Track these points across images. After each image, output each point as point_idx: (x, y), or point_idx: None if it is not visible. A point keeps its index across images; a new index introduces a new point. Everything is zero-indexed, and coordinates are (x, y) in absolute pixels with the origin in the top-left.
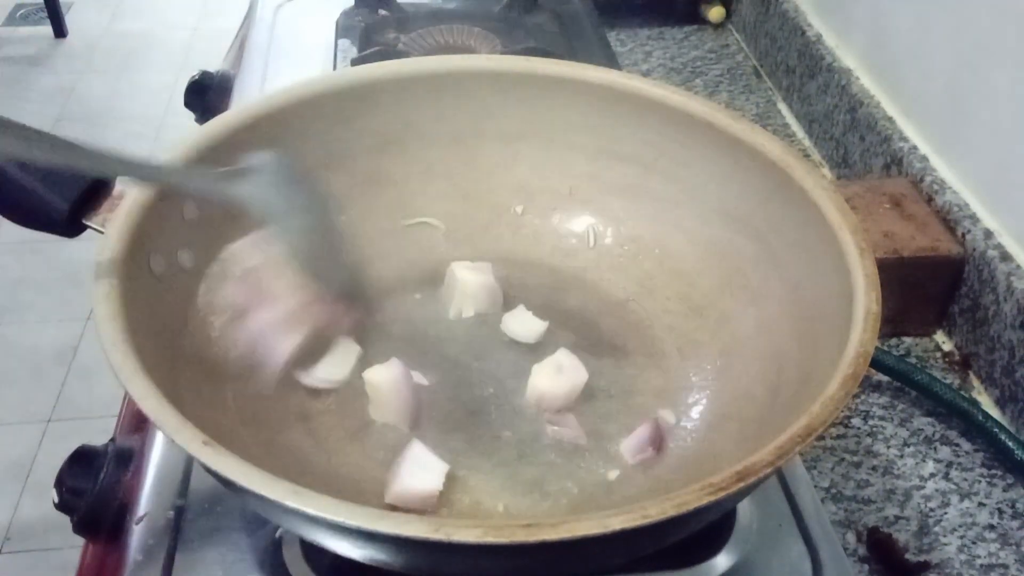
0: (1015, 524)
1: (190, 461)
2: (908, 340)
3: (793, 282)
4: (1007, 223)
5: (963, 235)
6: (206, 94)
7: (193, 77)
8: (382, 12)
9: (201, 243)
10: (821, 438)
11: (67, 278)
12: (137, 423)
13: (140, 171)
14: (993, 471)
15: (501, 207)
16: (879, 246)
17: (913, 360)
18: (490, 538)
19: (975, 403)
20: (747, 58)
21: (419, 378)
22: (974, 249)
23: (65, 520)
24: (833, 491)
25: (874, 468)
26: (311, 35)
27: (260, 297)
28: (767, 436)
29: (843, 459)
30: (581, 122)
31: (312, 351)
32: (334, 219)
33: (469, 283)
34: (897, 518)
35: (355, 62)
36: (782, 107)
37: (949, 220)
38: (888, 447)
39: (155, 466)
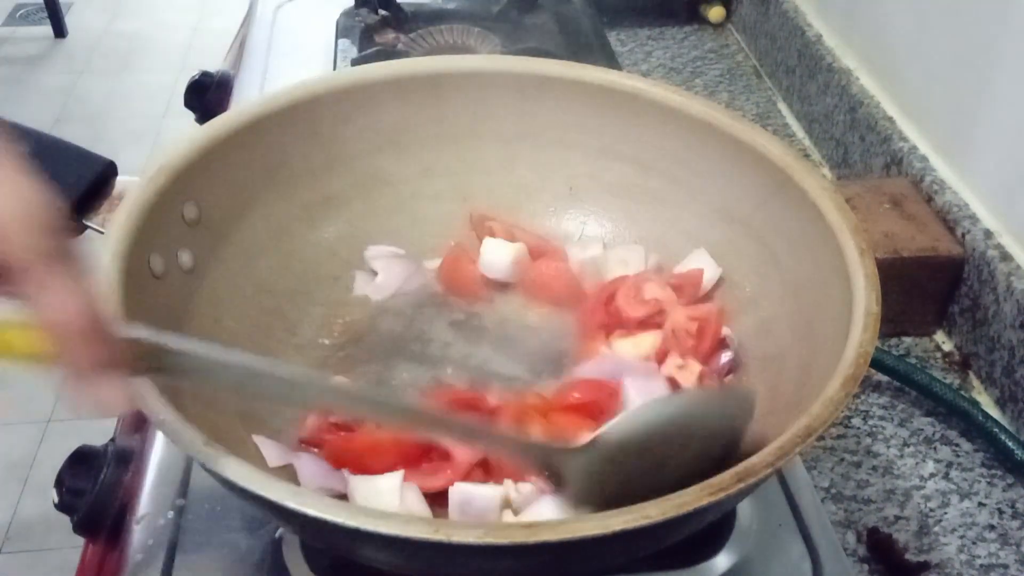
0: (1015, 524)
1: (190, 461)
2: (908, 340)
3: (793, 282)
4: (1007, 223)
5: (963, 235)
6: (206, 94)
7: (193, 77)
8: (382, 12)
9: (201, 243)
10: (821, 438)
11: None
12: (137, 423)
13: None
14: (993, 471)
15: (500, 207)
16: (879, 246)
17: (913, 360)
18: (490, 539)
19: (975, 403)
20: (747, 58)
21: None
22: (974, 249)
23: (65, 520)
24: (833, 491)
25: (874, 468)
26: (311, 35)
27: None
28: (767, 436)
29: (843, 459)
30: (581, 122)
31: None
32: None
33: None
34: (897, 518)
35: (355, 62)
36: (782, 107)
37: (949, 220)
38: (888, 447)
39: (155, 466)
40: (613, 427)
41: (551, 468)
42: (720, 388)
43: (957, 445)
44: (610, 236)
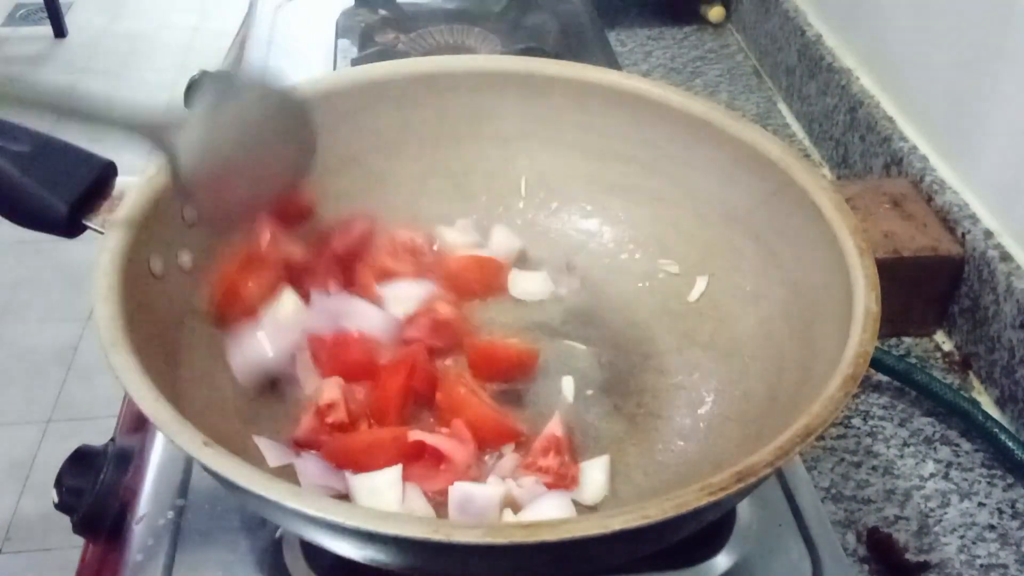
0: (1015, 524)
1: (190, 461)
2: (908, 340)
3: (793, 282)
4: (1007, 223)
5: (963, 235)
6: None
7: (193, 77)
8: (382, 12)
9: (201, 243)
10: (821, 438)
11: (67, 278)
12: (137, 423)
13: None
14: (993, 471)
15: (501, 208)
16: (879, 246)
17: (913, 360)
18: (490, 539)
19: (975, 403)
20: (747, 58)
21: None
22: (974, 249)
23: (65, 520)
24: (833, 491)
25: (874, 468)
26: (311, 35)
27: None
28: (767, 436)
29: (843, 459)
30: (581, 122)
31: None
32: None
33: None
34: (897, 518)
35: (355, 62)
36: (782, 107)
37: (949, 220)
38: (888, 447)
39: (155, 466)
40: (204, 103)
41: (159, 138)
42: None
43: (957, 445)
44: (610, 236)
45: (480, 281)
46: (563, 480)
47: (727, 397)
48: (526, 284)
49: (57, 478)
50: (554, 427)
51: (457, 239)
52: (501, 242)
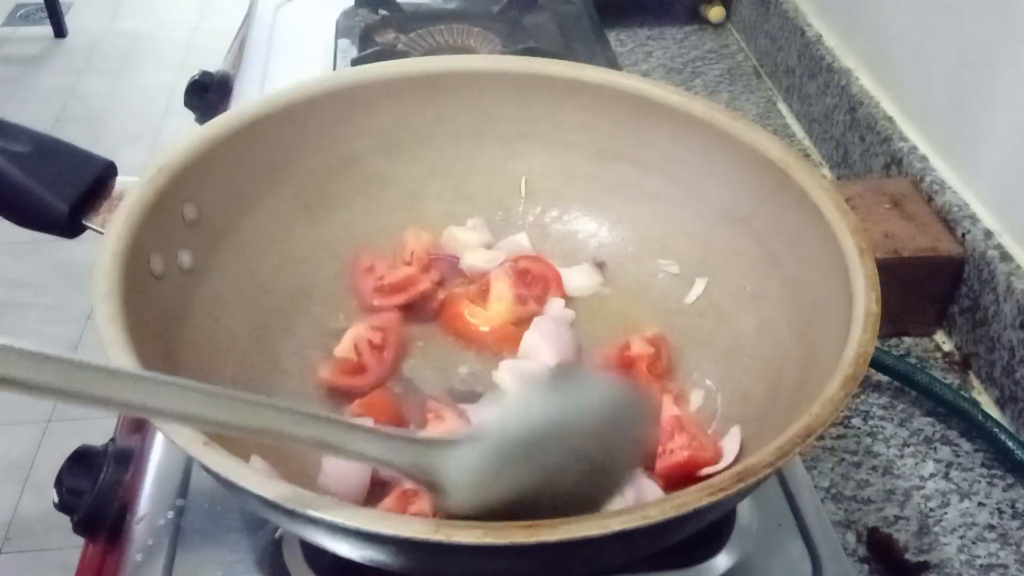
0: (1015, 524)
1: (190, 461)
2: (908, 340)
3: (793, 282)
4: (1007, 223)
5: (963, 235)
6: (206, 94)
7: (193, 77)
8: (382, 12)
9: (201, 243)
10: (821, 438)
11: (67, 278)
12: (137, 423)
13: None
14: (993, 471)
15: (501, 208)
16: (879, 246)
17: (913, 360)
18: (490, 539)
19: (975, 403)
20: (747, 58)
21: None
22: (974, 249)
23: (65, 520)
24: (833, 491)
25: (874, 468)
26: (311, 35)
27: None
28: (767, 436)
29: (843, 459)
30: (581, 122)
31: None
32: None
33: None
34: (897, 518)
35: (355, 62)
36: (782, 107)
37: (949, 220)
38: (888, 447)
39: (155, 466)
40: (497, 418)
41: (423, 471)
42: (620, 382)
43: (957, 445)
44: (609, 236)
45: (549, 280)
46: (706, 451)
47: (727, 397)
48: (577, 280)
49: (57, 478)
50: (670, 408)
51: (470, 238)
52: (515, 247)
